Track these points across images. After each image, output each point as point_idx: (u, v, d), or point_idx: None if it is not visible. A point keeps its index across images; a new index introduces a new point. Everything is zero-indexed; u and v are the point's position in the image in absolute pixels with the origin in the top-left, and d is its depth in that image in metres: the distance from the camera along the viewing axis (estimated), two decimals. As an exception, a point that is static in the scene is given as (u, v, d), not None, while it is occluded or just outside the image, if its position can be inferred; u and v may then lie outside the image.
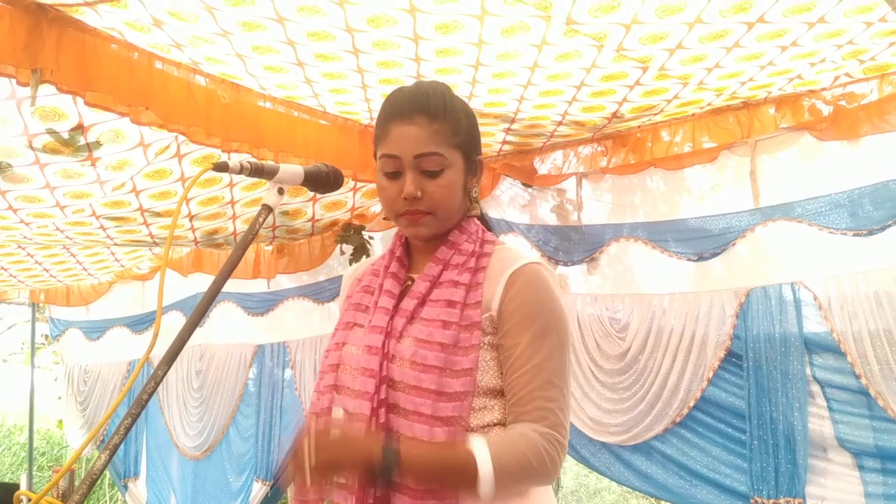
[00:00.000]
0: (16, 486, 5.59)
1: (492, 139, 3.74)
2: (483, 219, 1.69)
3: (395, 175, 1.54)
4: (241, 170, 1.44)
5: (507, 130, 3.58)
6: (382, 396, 1.45)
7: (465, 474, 1.34)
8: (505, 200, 4.23)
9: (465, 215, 1.63)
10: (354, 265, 1.85)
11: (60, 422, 8.06)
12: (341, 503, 1.48)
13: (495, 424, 1.48)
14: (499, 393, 1.50)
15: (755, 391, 3.23)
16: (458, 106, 1.60)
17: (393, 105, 1.57)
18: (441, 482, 1.39)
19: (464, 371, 1.45)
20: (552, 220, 4.05)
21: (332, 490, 1.50)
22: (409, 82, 2.83)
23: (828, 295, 3.10)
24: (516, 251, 1.62)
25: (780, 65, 2.85)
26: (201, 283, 5.30)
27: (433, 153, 1.51)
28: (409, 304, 1.53)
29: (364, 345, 1.52)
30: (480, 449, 1.35)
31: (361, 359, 1.50)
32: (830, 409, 3.09)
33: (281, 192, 1.52)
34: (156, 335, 1.34)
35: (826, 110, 3.19)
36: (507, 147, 3.91)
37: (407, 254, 1.66)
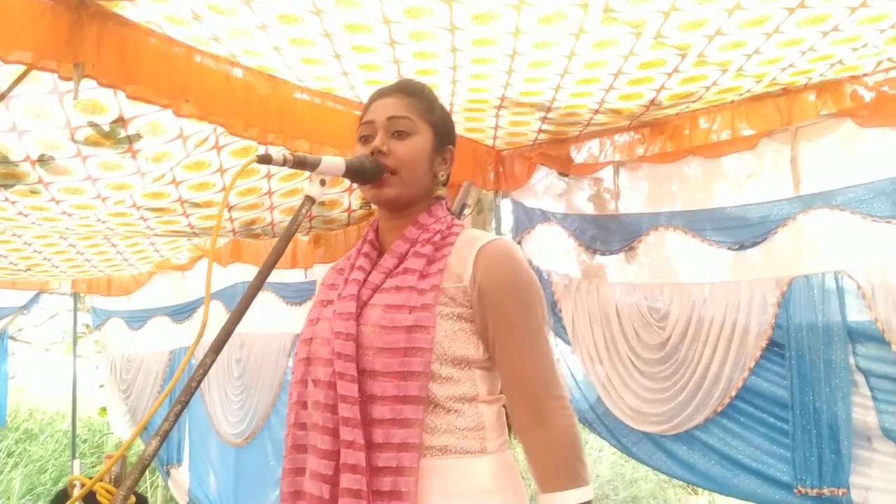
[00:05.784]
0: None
1: (527, 128, 3.73)
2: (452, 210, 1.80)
3: (367, 139, 1.68)
4: (285, 162, 1.45)
5: (543, 119, 3.57)
6: (352, 353, 1.53)
7: None
8: (540, 189, 4.22)
9: (432, 197, 1.73)
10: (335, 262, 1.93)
11: (103, 409, 8.20)
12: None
13: (461, 399, 1.56)
14: (465, 364, 1.58)
15: (798, 381, 3.20)
16: (435, 99, 1.76)
17: (377, 90, 1.76)
18: None
19: (417, 329, 1.53)
20: (589, 209, 4.04)
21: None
22: (446, 72, 2.87)
23: (871, 283, 3.06)
24: (482, 232, 1.77)
25: (821, 50, 2.81)
26: (240, 273, 5.35)
27: (404, 116, 1.67)
28: (376, 277, 1.62)
29: (336, 312, 1.60)
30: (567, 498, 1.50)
31: (334, 324, 1.58)
32: (875, 398, 3.05)
33: (323, 183, 1.53)
34: (204, 323, 1.36)
35: (868, 96, 3.13)
36: (542, 136, 3.89)
37: (379, 239, 1.75)
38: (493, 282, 1.57)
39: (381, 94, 1.73)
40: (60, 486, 8.44)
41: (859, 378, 3.10)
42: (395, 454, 1.48)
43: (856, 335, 3.10)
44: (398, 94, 1.70)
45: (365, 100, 3.22)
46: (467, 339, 1.58)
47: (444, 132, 1.74)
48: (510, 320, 1.57)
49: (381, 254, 1.71)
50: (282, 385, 5.26)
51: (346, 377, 1.51)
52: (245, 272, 5.33)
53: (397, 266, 1.62)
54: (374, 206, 1.76)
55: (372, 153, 1.63)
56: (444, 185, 1.75)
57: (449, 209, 1.77)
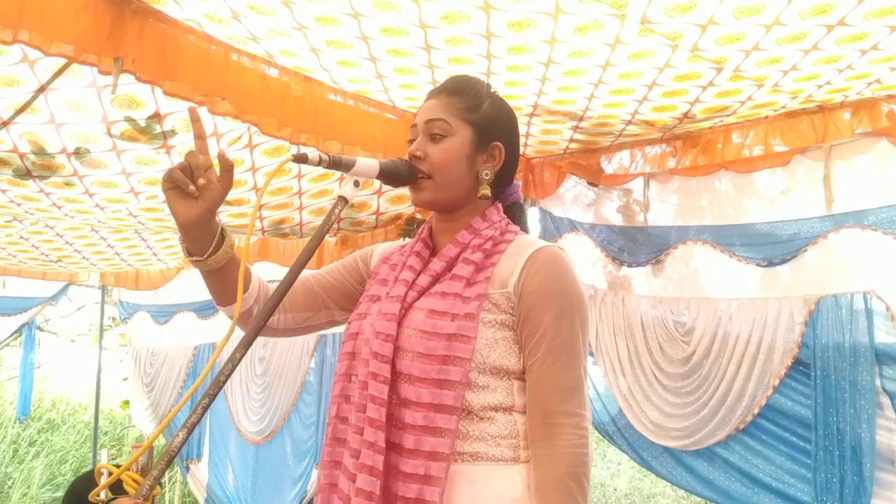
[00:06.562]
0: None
1: (559, 137, 3.73)
2: (514, 209, 1.78)
3: (412, 143, 1.70)
4: (320, 162, 1.47)
5: (575, 128, 3.57)
6: (389, 355, 1.53)
7: None
8: (569, 199, 4.21)
9: (478, 196, 1.70)
10: (387, 243, 1.93)
11: (125, 402, 8.27)
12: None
13: (495, 408, 1.53)
14: (504, 374, 1.55)
15: (822, 401, 3.16)
16: (481, 94, 1.71)
17: (430, 91, 1.76)
18: None
19: (458, 337, 1.51)
20: (617, 220, 4.02)
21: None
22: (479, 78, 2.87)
23: (901, 305, 3.02)
24: (537, 239, 1.70)
25: (859, 68, 2.79)
26: (267, 271, 5.37)
27: (439, 119, 1.66)
28: (423, 280, 1.62)
29: (381, 311, 1.60)
30: None
31: (377, 323, 1.58)
32: (900, 421, 3.01)
33: (356, 184, 1.55)
34: (236, 318, 1.37)
35: (905, 116, 3.10)
36: (573, 145, 3.89)
37: (432, 238, 1.75)
38: (532, 287, 1.55)
39: (428, 96, 1.74)
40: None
41: (885, 400, 3.06)
42: (423, 462, 1.46)
43: (883, 357, 3.06)
44: (441, 94, 1.70)
45: (398, 104, 3.28)
46: (509, 349, 1.56)
47: (488, 129, 1.69)
48: (542, 327, 1.53)
49: (433, 253, 1.71)
50: (303, 385, 5.28)
51: (378, 378, 1.51)
52: (272, 271, 5.36)
53: (445, 271, 1.62)
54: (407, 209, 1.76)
55: (409, 157, 1.65)
56: (490, 183, 1.70)
57: (507, 211, 1.75)
